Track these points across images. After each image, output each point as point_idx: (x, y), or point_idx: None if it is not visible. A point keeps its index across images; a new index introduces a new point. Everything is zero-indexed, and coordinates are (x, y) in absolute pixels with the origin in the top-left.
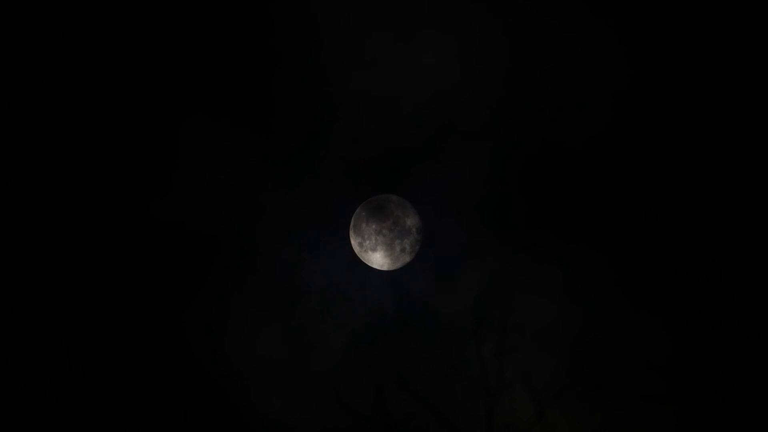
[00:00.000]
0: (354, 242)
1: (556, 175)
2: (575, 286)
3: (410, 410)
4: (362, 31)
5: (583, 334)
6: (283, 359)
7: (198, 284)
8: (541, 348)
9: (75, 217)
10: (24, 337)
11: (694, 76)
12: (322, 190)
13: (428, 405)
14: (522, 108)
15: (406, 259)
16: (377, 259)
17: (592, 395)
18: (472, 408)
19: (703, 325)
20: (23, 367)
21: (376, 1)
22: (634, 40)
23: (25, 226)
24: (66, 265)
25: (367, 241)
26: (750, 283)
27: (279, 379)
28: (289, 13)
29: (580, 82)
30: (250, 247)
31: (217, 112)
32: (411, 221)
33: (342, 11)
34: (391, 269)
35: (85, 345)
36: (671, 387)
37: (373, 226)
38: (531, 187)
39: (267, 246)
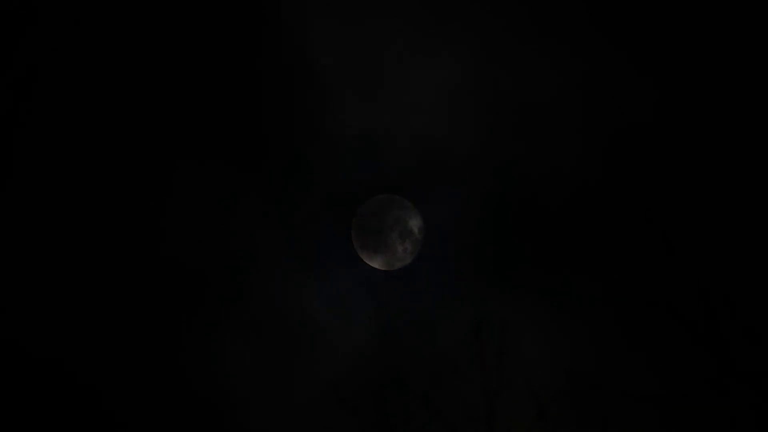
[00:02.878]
0: (356, 243)
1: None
2: (571, 298)
3: (410, 410)
4: (350, 67)
5: (581, 339)
6: (284, 362)
7: (198, 303)
8: (540, 350)
9: (73, 253)
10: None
11: (678, 113)
12: (318, 206)
13: (428, 405)
14: (511, 146)
15: (408, 259)
16: (378, 260)
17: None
18: (473, 408)
19: (704, 326)
20: (25, 388)
21: (363, 40)
22: (627, 64)
23: (26, 263)
24: (62, 297)
25: (369, 242)
26: (749, 284)
27: (280, 381)
28: (279, 48)
29: (567, 121)
30: (253, 252)
31: (211, 151)
32: (413, 222)
33: (330, 49)
34: (392, 269)
35: (84, 361)
36: (671, 387)
37: (375, 227)
38: (523, 221)
39: (268, 254)
